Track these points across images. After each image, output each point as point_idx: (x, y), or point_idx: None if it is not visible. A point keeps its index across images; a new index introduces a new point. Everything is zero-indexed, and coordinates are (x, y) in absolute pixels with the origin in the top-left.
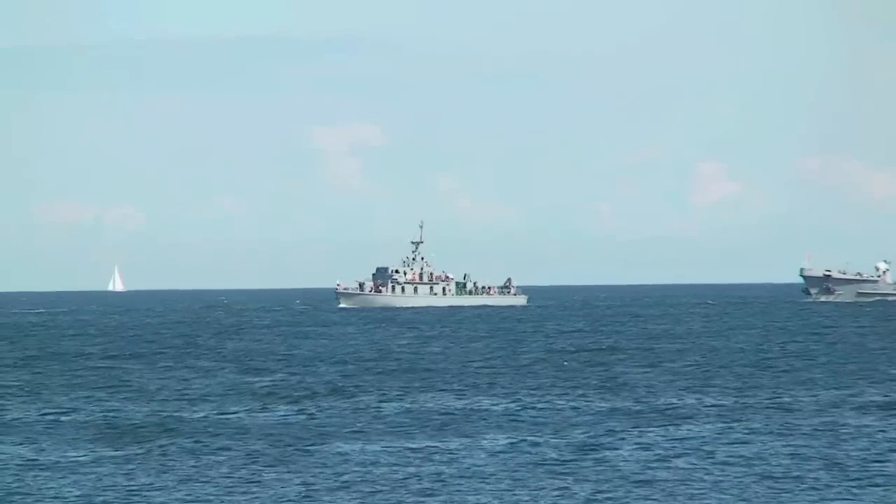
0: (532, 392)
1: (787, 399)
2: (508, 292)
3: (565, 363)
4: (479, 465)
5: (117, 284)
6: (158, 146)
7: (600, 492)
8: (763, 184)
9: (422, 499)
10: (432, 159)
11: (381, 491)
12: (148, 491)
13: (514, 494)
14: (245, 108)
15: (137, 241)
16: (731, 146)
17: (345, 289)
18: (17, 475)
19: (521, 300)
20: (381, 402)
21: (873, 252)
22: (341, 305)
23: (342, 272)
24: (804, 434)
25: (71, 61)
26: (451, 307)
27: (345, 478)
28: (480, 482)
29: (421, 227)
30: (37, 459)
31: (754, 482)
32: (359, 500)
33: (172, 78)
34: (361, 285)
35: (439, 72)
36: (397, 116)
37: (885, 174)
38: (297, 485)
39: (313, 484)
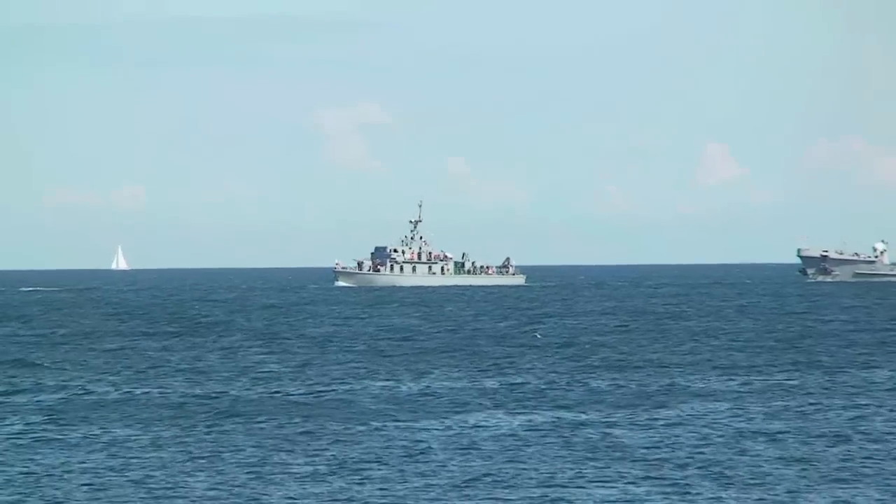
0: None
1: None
2: (507, 272)
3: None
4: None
5: (121, 263)
6: (164, 127)
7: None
8: (769, 166)
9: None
10: (440, 140)
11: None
12: (191, 468)
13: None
14: (251, 89)
15: (142, 222)
16: (738, 128)
17: (343, 268)
18: (84, 452)
19: (519, 279)
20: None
21: (880, 234)
22: (339, 284)
23: (349, 252)
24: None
25: (76, 41)
26: (449, 286)
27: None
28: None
29: (420, 206)
30: (100, 438)
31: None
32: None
33: (177, 59)
34: (360, 264)
35: (446, 53)
36: (404, 97)
37: (892, 157)
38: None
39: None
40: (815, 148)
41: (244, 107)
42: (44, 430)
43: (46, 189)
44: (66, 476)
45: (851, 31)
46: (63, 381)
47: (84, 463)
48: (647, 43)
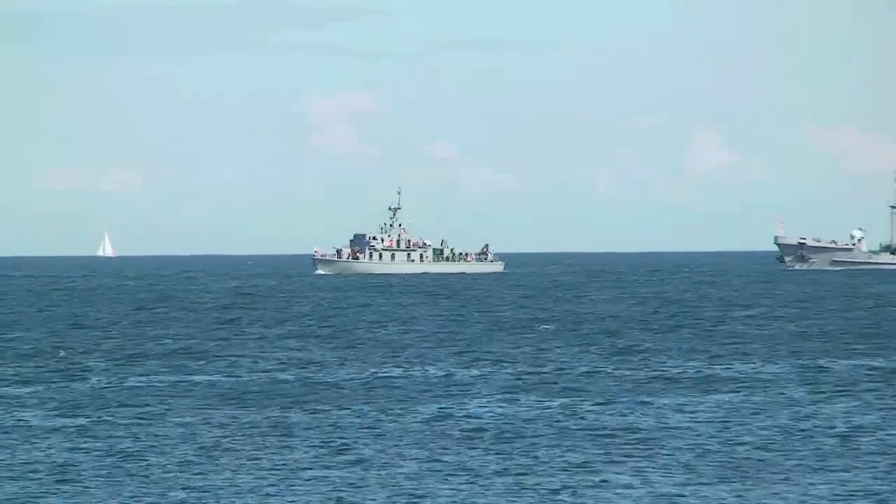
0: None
1: None
2: (486, 259)
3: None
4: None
5: (107, 250)
6: (155, 112)
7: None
8: (760, 152)
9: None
10: (429, 126)
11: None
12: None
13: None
14: (241, 74)
15: (131, 207)
16: (728, 114)
17: (322, 255)
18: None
19: (497, 267)
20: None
21: (870, 222)
22: (318, 272)
23: (337, 239)
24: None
25: (70, 27)
26: (428, 273)
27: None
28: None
29: (399, 193)
30: (151, 423)
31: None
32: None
33: (168, 43)
34: (339, 252)
35: (436, 39)
36: (393, 84)
37: (884, 144)
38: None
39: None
40: (807, 135)
41: (234, 93)
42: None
43: (35, 174)
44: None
45: (849, 18)
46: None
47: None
48: (638, 28)
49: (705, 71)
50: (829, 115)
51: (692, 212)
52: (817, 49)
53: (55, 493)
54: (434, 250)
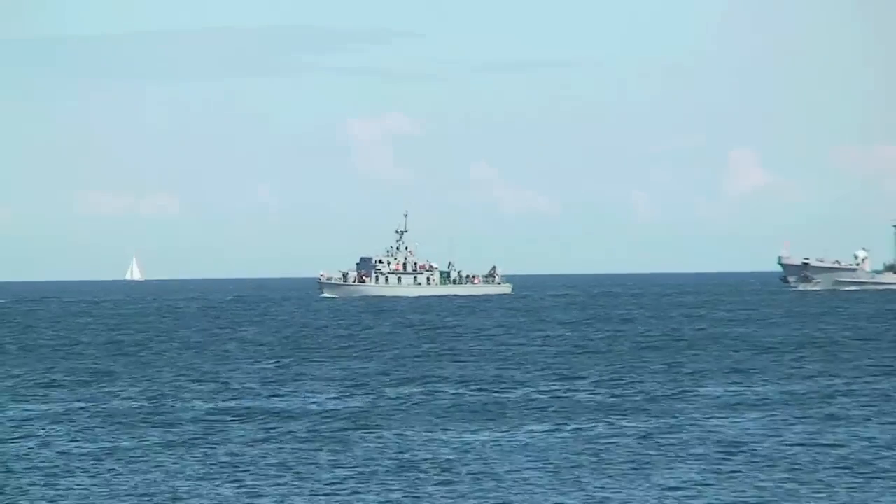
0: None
1: None
2: (493, 281)
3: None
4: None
5: (135, 274)
6: (193, 136)
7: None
8: (797, 173)
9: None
10: (466, 148)
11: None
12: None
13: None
14: (278, 97)
15: (168, 231)
16: (765, 135)
17: (328, 279)
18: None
19: (505, 289)
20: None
21: None
22: (324, 295)
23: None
24: None
25: (105, 51)
26: (435, 297)
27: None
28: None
29: (405, 216)
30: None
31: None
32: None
33: (205, 67)
34: (345, 275)
35: (471, 62)
36: (430, 105)
37: None
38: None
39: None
40: (844, 152)
41: (271, 116)
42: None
43: (74, 198)
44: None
45: (887, 40)
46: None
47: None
48: (674, 47)
49: (742, 91)
50: (866, 136)
51: (729, 233)
52: (854, 69)
53: None
54: (441, 273)
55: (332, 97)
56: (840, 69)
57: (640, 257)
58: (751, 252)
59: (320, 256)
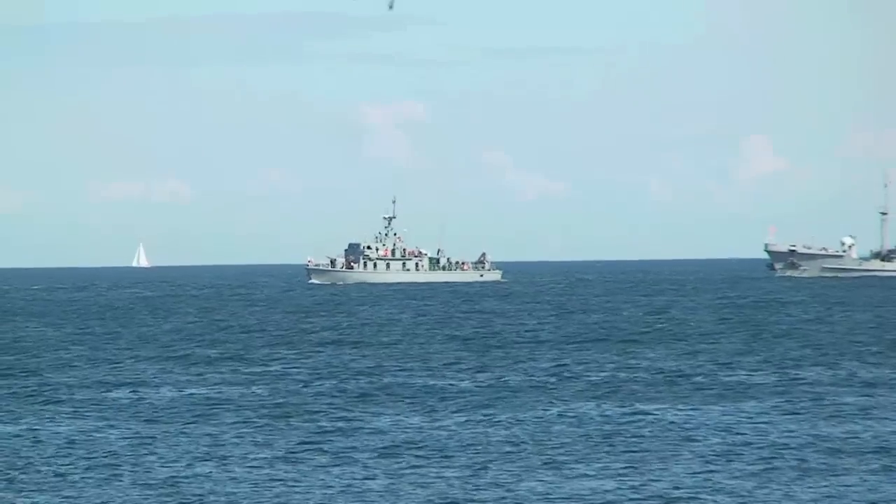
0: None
1: None
2: (483, 267)
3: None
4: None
5: (142, 260)
6: (204, 122)
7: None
8: (809, 159)
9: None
10: (478, 133)
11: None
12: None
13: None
14: (290, 83)
15: (180, 218)
16: (778, 120)
17: (316, 265)
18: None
19: (495, 276)
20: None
21: None
22: (312, 281)
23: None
24: None
25: (118, 37)
26: (423, 283)
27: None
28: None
29: (394, 202)
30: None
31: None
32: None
33: (218, 53)
34: (333, 261)
35: (483, 48)
36: (443, 92)
37: None
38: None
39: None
40: (857, 138)
41: (283, 102)
42: None
43: (87, 186)
44: None
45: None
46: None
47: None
48: (688, 34)
49: (755, 77)
50: (881, 122)
51: (743, 219)
52: (866, 53)
53: None
54: (430, 259)
55: (344, 83)
56: (854, 55)
57: (654, 243)
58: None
59: (333, 242)
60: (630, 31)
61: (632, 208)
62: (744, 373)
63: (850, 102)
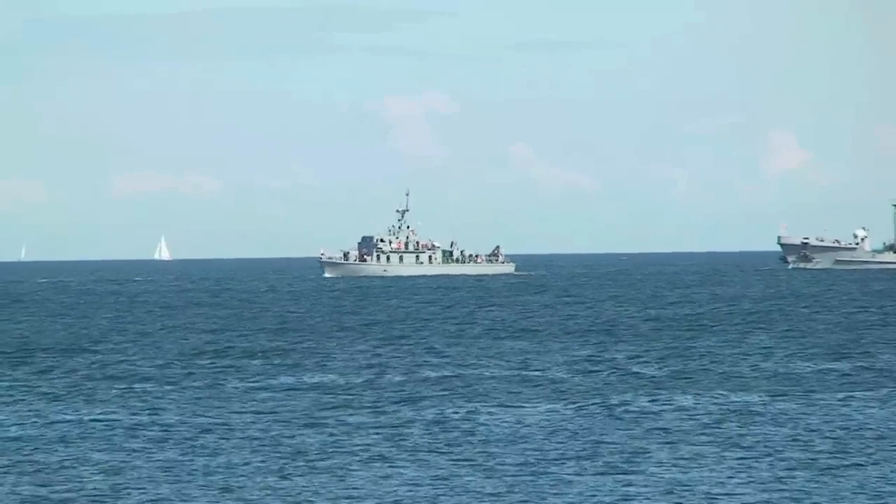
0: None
1: None
2: (496, 260)
3: None
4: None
5: (163, 253)
6: (229, 115)
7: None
8: (835, 153)
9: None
10: (503, 127)
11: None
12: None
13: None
14: (312, 76)
15: (203, 210)
16: (803, 113)
17: (329, 258)
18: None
19: (508, 268)
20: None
21: None
22: (326, 275)
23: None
24: None
25: (146, 31)
26: (437, 276)
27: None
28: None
29: (407, 195)
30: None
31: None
32: None
33: (240, 47)
34: (346, 255)
35: (503, 41)
36: (467, 85)
37: None
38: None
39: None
40: (882, 132)
41: (305, 95)
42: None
43: (112, 180)
44: None
45: None
46: None
47: None
48: (712, 26)
49: (781, 71)
50: None
51: (768, 212)
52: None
53: None
54: (443, 252)
55: (369, 76)
56: (881, 49)
57: (679, 236)
58: (790, 231)
59: (355, 236)
60: (655, 24)
61: (657, 202)
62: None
63: (878, 96)
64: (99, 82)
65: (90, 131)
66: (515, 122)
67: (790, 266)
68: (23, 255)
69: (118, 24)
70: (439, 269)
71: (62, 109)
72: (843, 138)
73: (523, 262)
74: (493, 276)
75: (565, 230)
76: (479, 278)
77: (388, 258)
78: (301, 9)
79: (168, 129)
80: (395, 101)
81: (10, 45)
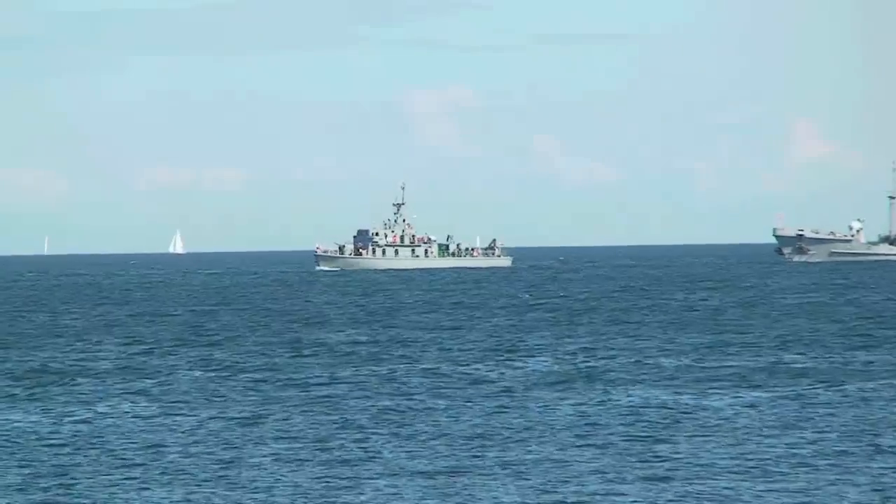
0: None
1: None
2: (493, 254)
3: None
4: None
5: (178, 247)
6: (251, 107)
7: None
8: (859, 143)
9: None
10: (528, 119)
11: None
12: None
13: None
14: (340, 69)
15: (226, 203)
16: (827, 104)
17: (324, 251)
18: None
19: (505, 262)
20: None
21: None
22: (321, 268)
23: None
24: None
25: (167, 25)
26: (432, 269)
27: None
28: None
29: (403, 188)
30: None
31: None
32: None
33: (265, 40)
34: (341, 248)
35: (532, 33)
36: (492, 77)
37: None
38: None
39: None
40: None
41: (332, 87)
42: None
43: (136, 174)
44: None
45: None
46: None
47: None
48: (736, 18)
49: (804, 62)
50: None
51: (792, 203)
52: None
53: None
54: (439, 246)
55: (394, 69)
56: None
57: (702, 228)
58: (813, 222)
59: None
60: (679, 15)
61: (680, 193)
62: None
63: None
64: (122, 76)
65: (113, 125)
66: (540, 115)
67: (785, 258)
68: (46, 248)
69: (142, 18)
70: (435, 262)
71: (85, 103)
72: (866, 128)
73: (544, 254)
74: (490, 269)
75: (589, 222)
76: (477, 272)
77: (383, 251)
78: (326, 2)
79: (191, 122)
80: (421, 93)
81: (33, 39)
